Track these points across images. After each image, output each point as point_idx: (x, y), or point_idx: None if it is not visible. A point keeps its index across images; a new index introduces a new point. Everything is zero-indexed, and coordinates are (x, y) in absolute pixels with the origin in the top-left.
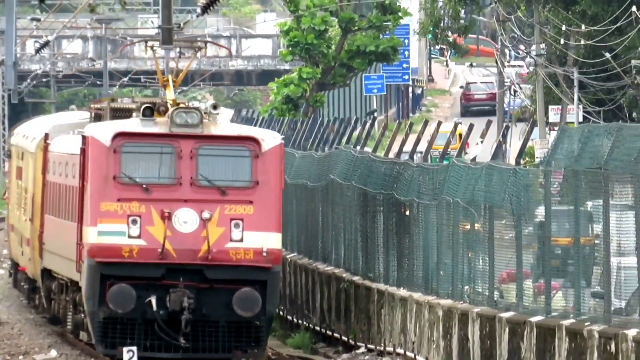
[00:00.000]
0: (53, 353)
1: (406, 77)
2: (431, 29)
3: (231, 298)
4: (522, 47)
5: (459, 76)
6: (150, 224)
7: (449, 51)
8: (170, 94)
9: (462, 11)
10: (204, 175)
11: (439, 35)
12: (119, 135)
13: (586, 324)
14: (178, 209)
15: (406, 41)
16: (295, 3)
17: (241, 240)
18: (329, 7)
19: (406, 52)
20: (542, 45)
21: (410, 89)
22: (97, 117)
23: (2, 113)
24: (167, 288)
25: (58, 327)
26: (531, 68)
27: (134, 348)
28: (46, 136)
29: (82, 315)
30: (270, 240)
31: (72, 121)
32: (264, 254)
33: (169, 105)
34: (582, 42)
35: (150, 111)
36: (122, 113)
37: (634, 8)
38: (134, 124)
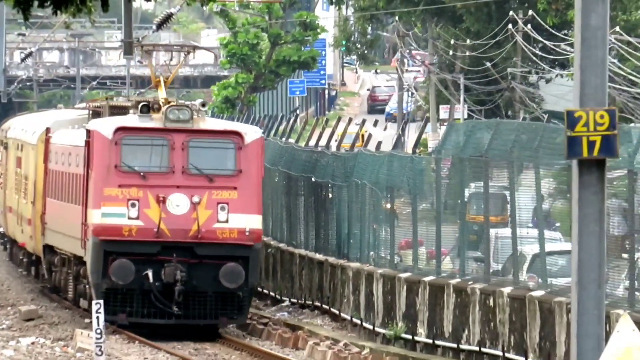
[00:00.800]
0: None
1: (323, 81)
2: (343, 42)
3: (218, 272)
4: (418, 57)
5: (366, 81)
6: (147, 207)
7: (359, 60)
8: (162, 93)
9: (369, 28)
10: (194, 164)
11: (350, 48)
12: (119, 130)
13: (469, 282)
14: (171, 194)
15: (323, 52)
16: (233, 21)
17: (227, 221)
18: (260, 24)
19: (323, 62)
20: (435, 56)
21: (326, 91)
22: (96, 114)
23: None
24: (162, 263)
25: (56, 295)
26: (425, 74)
27: (101, 301)
28: (48, 130)
29: (87, 286)
30: (252, 222)
31: (71, 117)
32: (247, 233)
33: (161, 103)
34: (467, 53)
35: (147, 108)
36: (120, 110)
37: (510, 25)
38: (132, 119)
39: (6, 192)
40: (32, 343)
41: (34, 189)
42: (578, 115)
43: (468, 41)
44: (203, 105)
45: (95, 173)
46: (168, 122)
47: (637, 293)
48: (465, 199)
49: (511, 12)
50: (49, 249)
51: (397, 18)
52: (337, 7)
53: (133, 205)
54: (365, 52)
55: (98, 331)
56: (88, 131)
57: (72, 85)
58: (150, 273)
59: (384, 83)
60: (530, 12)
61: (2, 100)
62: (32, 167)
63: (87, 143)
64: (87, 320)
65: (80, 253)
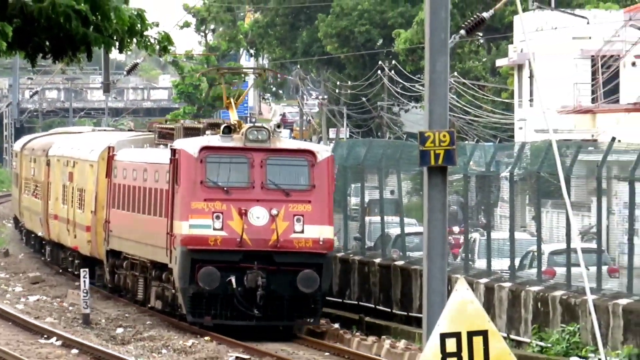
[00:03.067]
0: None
1: (246, 112)
2: (261, 83)
3: (295, 278)
4: (313, 93)
5: (277, 110)
6: (230, 219)
7: (272, 96)
8: (234, 115)
9: (278, 74)
10: (272, 180)
11: (265, 88)
12: (204, 149)
13: (350, 255)
14: (252, 207)
15: (249, 92)
16: (181, 68)
17: (302, 231)
18: (201, 70)
19: (246, 97)
20: (325, 93)
21: (248, 119)
22: (163, 136)
23: (11, 132)
24: (243, 270)
25: (117, 295)
26: (319, 106)
27: (87, 269)
28: (110, 149)
29: (162, 288)
30: (325, 232)
31: (131, 138)
32: (321, 243)
33: (233, 125)
34: (349, 91)
35: (228, 129)
36: (193, 131)
37: (379, 71)
38: (215, 139)
39: (49, 201)
40: (37, 299)
41: (95, 200)
42: (427, 135)
43: (349, 82)
44: (278, 126)
45: (183, 188)
46: (248, 142)
47: (469, 262)
48: (348, 195)
49: (380, 62)
50: (112, 253)
51: (298, 66)
52: (255, 59)
53: (217, 217)
54: (276, 90)
55: (85, 291)
56: (174, 150)
57: (66, 115)
58: (233, 279)
59: (290, 112)
60: (394, 62)
61: (16, 126)
62: (91, 181)
63: (173, 161)
64: (76, 283)
65: (163, 260)
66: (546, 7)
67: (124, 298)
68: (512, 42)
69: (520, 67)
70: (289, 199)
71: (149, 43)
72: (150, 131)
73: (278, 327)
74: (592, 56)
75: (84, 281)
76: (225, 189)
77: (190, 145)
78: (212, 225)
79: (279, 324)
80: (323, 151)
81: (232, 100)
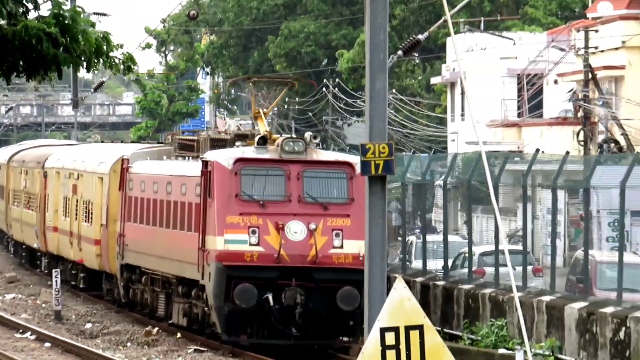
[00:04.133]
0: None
1: (203, 125)
2: (216, 100)
3: (334, 295)
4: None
5: (231, 125)
6: (267, 233)
7: (226, 111)
8: (263, 126)
9: (232, 90)
10: (309, 193)
11: (219, 103)
12: (238, 160)
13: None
14: (289, 221)
15: (203, 106)
16: (144, 86)
17: (341, 247)
18: (162, 88)
19: (203, 112)
20: (275, 108)
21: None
22: (183, 147)
23: None
24: (281, 287)
25: (130, 311)
26: (270, 121)
27: (59, 270)
28: (125, 161)
29: (205, 307)
30: (365, 247)
31: (146, 150)
32: (360, 258)
33: (261, 136)
34: (297, 106)
35: (263, 140)
36: (220, 142)
37: (324, 88)
38: (249, 151)
39: (46, 214)
40: (13, 297)
41: (106, 213)
42: (368, 147)
43: (297, 98)
44: (315, 137)
45: (217, 202)
46: (284, 154)
47: (407, 263)
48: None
49: (324, 80)
50: (127, 267)
51: (250, 84)
52: (211, 76)
53: (253, 232)
54: (230, 106)
55: (57, 290)
56: (205, 162)
57: (38, 129)
58: (270, 297)
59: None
60: (337, 80)
61: None
62: (100, 194)
63: (205, 173)
64: (49, 283)
65: (193, 276)
66: (476, 30)
67: (138, 314)
68: (445, 62)
69: (452, 85)
70: (327, 213)
71: (114, 63)
72: (162, 143)
73: (314, 346)
74: (518, 75)
75: (56, 281)
76: (261, 202)
77: (224, 157)
78: (248, 240)
79: (317, 342)
80: (357, 162)
81: (261, 110)
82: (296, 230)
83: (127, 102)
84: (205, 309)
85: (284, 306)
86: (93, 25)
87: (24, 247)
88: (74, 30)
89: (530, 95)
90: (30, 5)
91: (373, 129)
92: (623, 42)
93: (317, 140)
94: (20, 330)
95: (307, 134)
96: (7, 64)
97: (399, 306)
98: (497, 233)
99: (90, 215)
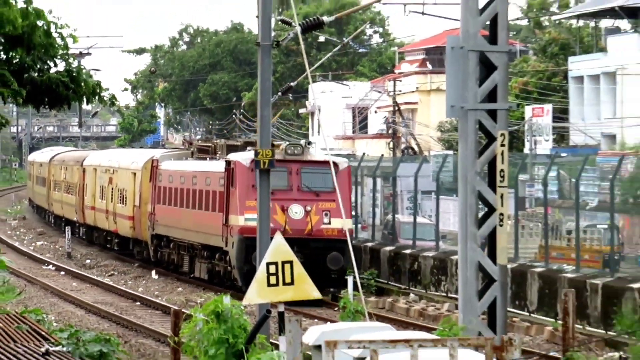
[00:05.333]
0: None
1: (160, 139)
2: (167, 123)
3: (325, 258)
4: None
5: (178, 138)
6: (275, 213)
7: (174, 130)
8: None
9: (177, 117)
10: (306, 184)
11: (170, 125)
12: (254, 161)
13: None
14: (291, 205)
15: (159, 127)
16: (122, 114)
17: (329, 223)
18: (133, 115)
19: (160, 131)
20: (204, 128)
21: (160, 143)
22: (201, 151)
23: (27, 150)
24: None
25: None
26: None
27: (70, 227)
28: (154, 161)
29: (229, 267)
30: (346, 224)
31: (169, 153)
32: (343, 232)
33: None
34: (217, 127)
35: (272, 146)
36: (234, 148)
37: (234, 116)
38: None
39: (84, 197)
40: (41, 244)
41: (139, 198)
42: (259, 151)
43: (217, 122)
44: (309, 143)
45: (239, 191)
46: (287, 155)
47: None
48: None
49: (234, 110)
50: (156, 236)
51: (189, 113)
52: (165, 108)
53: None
54: (176, 126)
55: (68, 239)
56: (229, 162)
57: (57, 140)
58: None
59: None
60: (242, 111)
61: (29, 147)
62: (132, 184)
63: (228, 170)
64: (62, 232)
65: (217, 244)
66: (327, 80)
67: (165, 270)
68: (308, 99)
69: (312, 114)
70: (318, 199)
71: (104, 99)
72: (177, 148)
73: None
74: (352, 107)
75: (68, 233)
76: (271, 191)
77: (243, 158)
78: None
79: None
80: (343, 162)
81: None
82: (296, 211)
83: (112, 124)
84: (228, 268)
85: None
86: (91, 76)
87: (63, 219)
88: (79, 79)
89: (360, 120)
90: (51, 64)
91: (262, 140)
92: (417, 87)
93: (310, 146)
94: (45, 264)
95: (303, 142)
96: (37, 100)
97: (277, 249)
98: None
99: (124, 199)
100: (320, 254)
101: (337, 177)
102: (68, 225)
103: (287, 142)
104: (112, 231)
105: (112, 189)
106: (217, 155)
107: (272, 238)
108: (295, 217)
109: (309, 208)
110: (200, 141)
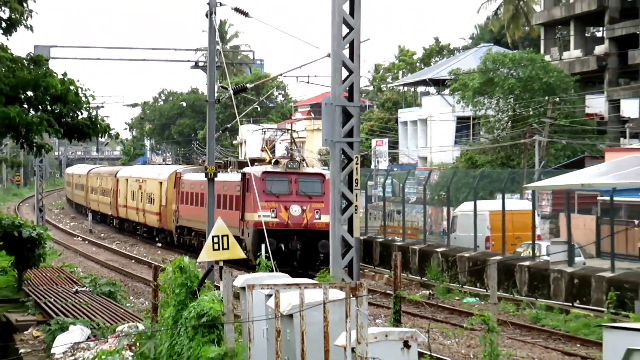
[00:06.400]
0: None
1: (147, 160)
2: (152, 149)
3: (317, 244)
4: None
5: (157, 159)
6: (280, 211)
7: (156, 154)
8: (267, 155)
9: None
10: (302, 190)
11: (154, 150)
12: (264, 173)
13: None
14: (292, 205)
15: (147, 152)
16: (124, 144)
17: (320, 219)
18: (131, 144)
19: (147, 155)
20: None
21: (148, 162)
22: (218, 166)
23: (64, 167)
24: (288, 240)
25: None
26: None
27: (92, 212)
28: (178, 173)
29: (244, 251)
30: None
31: (188, 168)
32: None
33: (274, 159)
34: (183, 152)
35: (276, 162)
36: (243, 164)
37: (193, 143)
38: (269, 168)
39: (118, 198)
40: (73, 224)
41: (165, 200)
42: (209, 168)
43: (182, 149)
44: (303, 160)
45: (253, 195)
46: (287, 169)
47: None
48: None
49: (193, 143)
50: (179, 228)
51: (165, 142)
52: (151, 142)
53: (273, 211)
54: (157, 152)
55: (91, 221)
56: (244, 174)
57: (84, 160)
58: (282, 245)
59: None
60: (199, 137)
61: (66, 164)
62: (159, 190)
63: (244, 180)
64: (87, 217)
65: (235, 234)
66: (250, 123)
67: (185, 251)
68: (238, 135)
69: (241, 144)
70: (311, 200)
71: (112, 135)
72: (191, 165)
73: (307, 272)
74: (266, 140)
75: (90, 217)
76: (276, 195)
77: (256, 171)
78: (270, 215)
79: (306, 270)
80: (328, 174)
81: (266, 149)
82: (295, 209)
83: (117, 150)
84: (245, 252)
85: (290, 250)
86: (103, 120)
87: (99, 214)
88: (96, 123)
89: (270, 148)
90: (79, 113)
91: (209, 160)
92: (305, 127)
93: (304, 163)
94: (75, 236)
95: (298, 158)
96: (70, 135)
97: (219, 227)
98: None
99: (152, 200)
100: (313, 241)
101: (324, 185)
102: (104, 217)
103: (288, 159)
104: (140, 222)
105: (142, 193)
106: (229, 169)
107: (279, 230)
108: (294, 214)
109: (304, 207)
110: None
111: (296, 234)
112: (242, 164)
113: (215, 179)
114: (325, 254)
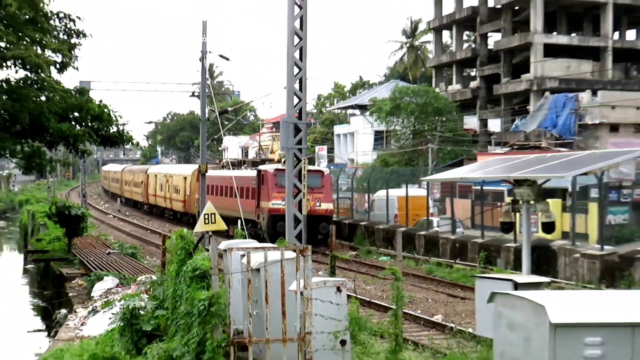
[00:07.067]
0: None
1: (158, 161)
2: (163, 153)
3: (318, 226)
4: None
5: (166, 160)
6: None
7: (165, 157)
8: (276, 156)
9: (167, 151)
10: (307, 184)
11: (164, 154)
12: (276, 170)
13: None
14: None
15: (158, 155)
16: (142, 149)
17: (320, 206)
18: (147, 150)
19: (158, 157)
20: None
21: (159, 163)
22: (233, 165)
23: (100, 165)
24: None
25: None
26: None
27: (119, 198)
28: (198, 169)
29: (260, 232)
30: (330, 206)
31: (209, 166)
32: (328, 211)
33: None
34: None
35: (283, 162)
36: (257, 164)
37: (191, 149)
38: (279, 166)
39: (148, 189)
40: (106, 206)
41: (189, 191)
42: (203, 167)
43: (183, 154)
44: (308, 160)
45: (268, 188)
46: None
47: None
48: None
49: (191, 149)
50: (199, 213)
51: (171, 149)
52: (161, 147)
53: (283, 199)
54: (167, 155)
55: (118, 204)
56: (259, 171)
57: (114, 161)
58: None
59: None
60: (195, 145)
61: (101, 164)
62: (183, 183)
63: (260, 175)
64: (115, 202)
65: (252, 218)
66: (231, 135)
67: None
68: (222, 144)
69: (224, 150)
70: (313, 192)
71: (134, 143)
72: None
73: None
74: (242, 147)
75: (118, 202)
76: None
77: (269, 168)
78: (281, 203)
79: (309, 245)
80: (326, 170)
81: (275, 151)
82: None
83: (137, 154)
84: (260, 232)
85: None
86: (128, 133)
87: (131, 201)
88: (123, 135)
89: (245, 153)
90: (111, 128)
91: (202, 161)
92: (268, 138)
93: (306, 161)
94: (108, 215)
95: (304, 159)
96: (104, 144)
97: (209, 207)
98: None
99: (178, 191)
100: (315, 223)
101: (323, 179)
102: (135, 203)
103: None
104: (167, 207)
105: (169, 185)
106: (243, 167)
107: (279, 215)
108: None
109: (308, 197)
110: (225, 161)
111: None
112: (255, 163)
113: (234, 174)
114: (324, 233)
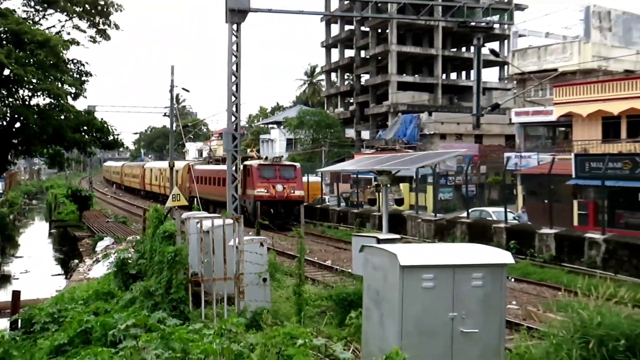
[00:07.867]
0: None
1: (142, 159)
2: (145, 154)
3: (292, 209)
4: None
5: (149, 160)
6: (270, 189)
7: (147, 156)
8: (256, 154)
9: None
10: (282, 175)
11: (146, 154)
12: (259, 165)
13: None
14: (277, 184)
15: (142, 155)
16: (130, 151)
17: (294, 193)
18: (134, 153)
19: (142, 156)
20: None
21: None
22: (217, 161)
23: (102, 162)
24: (276, 206)
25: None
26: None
27: (122, 188)
28: (189, 165)
29: (247, 215)
30: (302, 193)
31: (195, 162)
32: (300, 196)
33: (261, 157)
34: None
35: (266, 158)
36: (243, 159)
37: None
38: (261, 161)
39: (145, 180)
40: (107, 189)
41: (181, 181)
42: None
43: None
44: (281, 157)
45: (254, 179)
46: (273, 162)
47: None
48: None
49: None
50: (191, 197)
51: (151, 151)
52: (145, 149)
53: (266, 188)
54: (149, 156)
55: (120, 189)
56: (245, 165)
57: (111, 158)
58: (272, 209)
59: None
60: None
61: (103, 161)
62: (180, 176)
63: (245, 169)
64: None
65: (241, 204)
66: (190, 142)
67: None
68: (184, 148)
69: (186, 152)
70: (288, 182)
71: (125, 147)
72: (198, 160)
73: (286, 226)
74: (198, 150)
75: (114, 186)
76: (267, 178)
77: (254, 163)
78: (264, 191)
79: (285, 223)
80: (298, 165)
81: (255, 151)
82: (279, 187)
83: (127, 154)
84: (246, 214)
85: (276, 212)
86: (120, 140)
87: (130, 188)
88: (117, 142)
89: (199, 154)
90: (108, 137)
91: (171, 159)
92: (216, 143)
93: (283, 158)
94: (108, 195)
95: (279, 157)
96: (104, 148)
97: (175, 190)
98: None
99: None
100: (290, 207)
101: (296, 172)
102: (133, 190)
103: (275, 156)
104: (161, 194)
105: (162, 177)
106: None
107: (269, 200)
108: (279, 190)
109: (285, 186)
110: (211, 158)
111: (280, 202)
112: (243, 159)
113: (217, 167)
114: (297, 214)
